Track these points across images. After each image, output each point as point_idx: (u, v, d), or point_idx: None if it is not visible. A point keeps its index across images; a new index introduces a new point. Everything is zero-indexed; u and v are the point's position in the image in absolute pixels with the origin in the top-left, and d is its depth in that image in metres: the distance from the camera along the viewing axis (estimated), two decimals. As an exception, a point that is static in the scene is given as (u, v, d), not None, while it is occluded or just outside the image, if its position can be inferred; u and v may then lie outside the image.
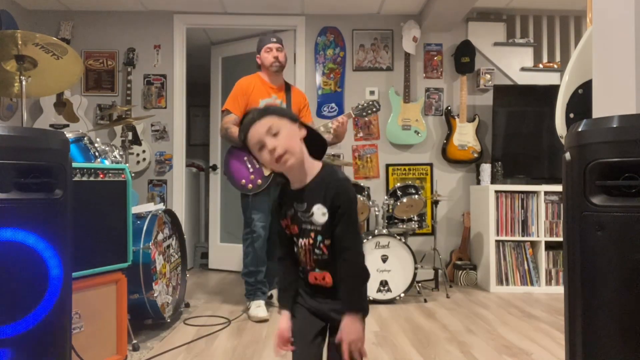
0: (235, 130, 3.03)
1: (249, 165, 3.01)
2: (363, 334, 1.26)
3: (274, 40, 3.10)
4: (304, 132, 1.29)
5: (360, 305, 1.28)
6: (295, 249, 1.34)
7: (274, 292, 3.23)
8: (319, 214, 1.26)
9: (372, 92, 4.24)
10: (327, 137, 3.06)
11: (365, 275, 1.33)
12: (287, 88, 3.20)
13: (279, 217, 1.37)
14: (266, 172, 2.99)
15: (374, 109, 3.10)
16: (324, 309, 1.33)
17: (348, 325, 1.23)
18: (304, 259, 1.32)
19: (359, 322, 1.25)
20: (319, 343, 1.33)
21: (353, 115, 3.05)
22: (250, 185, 2.98)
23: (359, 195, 3.38)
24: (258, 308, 2.91)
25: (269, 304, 3.13)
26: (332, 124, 2.97)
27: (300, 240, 1.31)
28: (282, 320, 1.34)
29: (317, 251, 1.29)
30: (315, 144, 1.33)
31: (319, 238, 1.27)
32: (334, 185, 1.26)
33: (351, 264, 1.27)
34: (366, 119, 3.19)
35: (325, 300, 1.32)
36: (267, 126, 1.23)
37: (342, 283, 1.28)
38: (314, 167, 1.30)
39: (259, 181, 2.98)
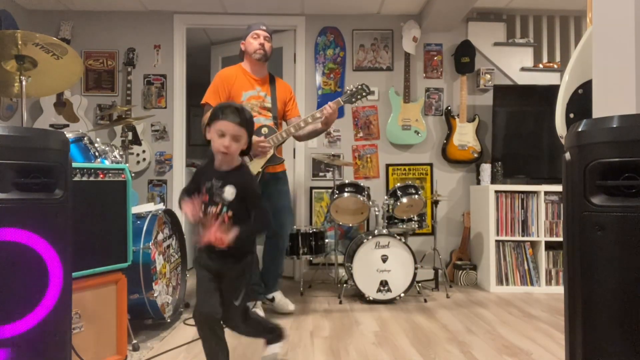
0: None
1: None
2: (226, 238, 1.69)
3: (263, 27, 2.98)
4: (246, 146, 1.81)
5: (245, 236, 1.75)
6: (201, 214, 1.76)
7: (276, 295, 3.08)
8: (229, 192, 1.73)
9: (372, 92, 4.23)
10: (313, 126, 2.99)
11: (253, 233, 1.86)
12: (272, 80, 3.07)
13: (198, 183, 1.82)
14: (254, 171, 2.85)
15: (364, 93, 2.97)
16: (217, 266, 1.77)
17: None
18: (206, 221, 1.74)
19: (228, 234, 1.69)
20: (214, 289, 1.77)
21: (342, 102, 2.93)
22: None
23: (358, 195, 3.39)
24: (255, 309, 2.90)
25: (270, 307, 3.08)
26: (318, 113, 2.86)
27: (210, 207, 1.74)
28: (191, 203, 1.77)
29: (219, 217, 1.72)
30: (247, 151, 1.86)
31: (224, 209, 1.73)
32: (245, 177, 1.81)
33: (256, 220, 1.79)
34: (355, 103, 3.01)
35: (218, 258, 1.76)
36: (237, 132, 1.73)
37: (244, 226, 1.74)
38: (236, 161, 1.81)
39: None
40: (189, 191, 1.84)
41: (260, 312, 2.90)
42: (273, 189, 3.00)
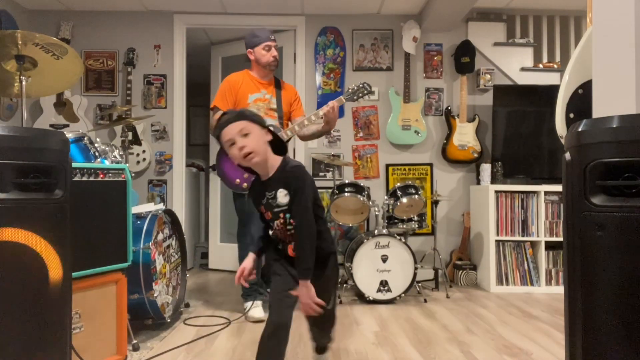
0: None
1: None
2: (312, 293, 1.58)
3: (273, 38, 3.04)
4: (269, 137, 1.60)
5: (307, 273, 1.57)
6: (271, 232, 1.64)
7: None
8: (281, 195, 1.58)
9: (372, 92, 4.22)
10: (316, 127, 3.03)
11: (310, 242, 1.58)
12: (277, 83, 3.15)
13: (257, 206, 1.68)
14: None
15: (365, 92, 2.99)
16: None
17: (301, 290, 1.57)
18: (282, 237, 1.63)
19: (307, 286, 1.57)
20: (294, 302, 1.62)
21: (344, 100, 2.96)
22: (245, 184, 2.95)
23: (358, 195, 3.38)
24: (255, 309, 2.91)
25: (267, 305, 3.13)
26: (322, 110, 2.88)
27: (275, 222, 1.63)
28: (248, 260, 1.67)
29: (289, 227, 1.60)
30: (278, 144, 1.64)
31: (287, 216, 1.59)
32: (289, 170, 1.60)
33: (299, 229, 1.57)
34: (356, 101, 3.05)
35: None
36: (239, 128, 1.54)
37: (295, 249, 1.60)
38: (276, 161, 1.62)
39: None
40: (262, 236, 1.73)
41: (260, 311, 2.91)
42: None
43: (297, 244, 1.58)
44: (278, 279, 1.65)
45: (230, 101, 3.00)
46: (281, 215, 1.59)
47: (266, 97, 3.06)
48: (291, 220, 1.58)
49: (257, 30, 3.07)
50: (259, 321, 2.84)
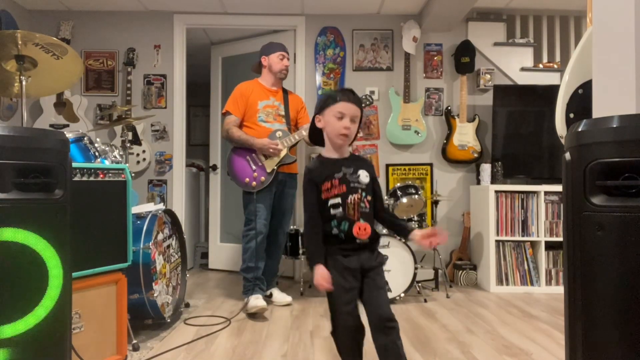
0: (235, 131, 3.13)
1: (252, 164, 3.10)
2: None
3: (287, 50, 3.27)
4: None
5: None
6: (339, 210, 1.66)
7: (274, 291, 3.29)
8: (364, 176, 1.70)
9: (372, 92, 4.23)
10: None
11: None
12: (285, 92, 3.33)
13: (324, 180, 1.69)
14: (269, 169, 3.10)
15: (367, 102, 3.29)
16: (359, 262, 1.65)
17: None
18: (352, 212, 1.66)
19: None
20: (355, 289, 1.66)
21: None
22: (254, 183, 3.07)
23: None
24: (257, 299, 2.94)
25: (268, 302, 3.16)
26: None
27: (350, 196, 1.67)
28: (320, 267, 1.63)
29: (362, 205, 1.67)
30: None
31: (364, 194, 1.68)
32: (365, 159, 1.85)
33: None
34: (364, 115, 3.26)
35: (359, 253, 1.66)
36: (355, 111, 1.71)
37: (394, 219, 1.92)
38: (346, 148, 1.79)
39: (262, 178, 3.08)
40: (318, 232, 1.70)
41: (261, 299, 2.99)
42: (284, 189, 3.25)
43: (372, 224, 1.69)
44: (335, 274, 1.65)
45: (242, 106, 3.18)
46: (359, 191, 1.68)
47: (275, 104, 3.24)
48: (366, 200, 1.68)
49: (274, 42, 3.31)
50: (262, 310, 2.86)
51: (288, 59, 3.26)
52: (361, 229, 1.64)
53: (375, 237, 1.70)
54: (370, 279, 1.66)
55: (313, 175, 1.72)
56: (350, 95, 1.71)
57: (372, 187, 1.72)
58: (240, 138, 3.11)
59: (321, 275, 1.61)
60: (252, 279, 3.06)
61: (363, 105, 3.06)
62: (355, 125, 1.73)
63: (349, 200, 1.66)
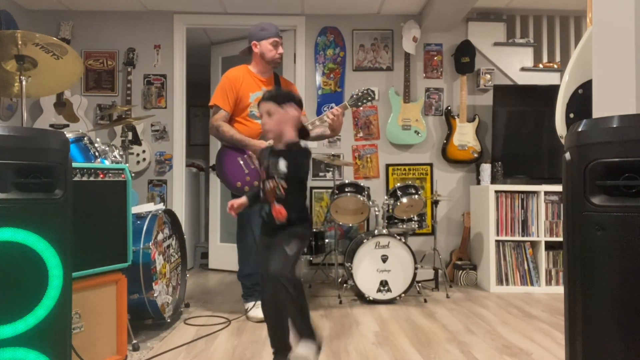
0: (226, 129, 2.90)
1: (244, 167, 2.90)
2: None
3: (281, 35, 2.98)
4: (298, 117, 2.02)
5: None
6: (261, 194, 1.98)
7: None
8: (281, 164, 1.89)
9: (375, 99, 4.22)
10: (322, 130, 3.01)
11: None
12: (277, 80, 3.11)
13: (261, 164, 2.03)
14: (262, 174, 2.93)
15: (369, 98, 2.97)
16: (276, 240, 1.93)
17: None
18: (269, 196, 1.92)
19: None
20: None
21: (348, 107, 2.94)
22: (246, 188, 2.87)
23: (358, 195, 3.39)
24: (257, 309, 2.90)
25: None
26: (327, 117, 2.87)
27: (267, 182, 1.94)
28: (242, 198, 2.06)
29: (277, 191, 1.90)
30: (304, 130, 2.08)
31: (280, 181, 1.90)
32: (293, 149, 1.95)
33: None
34: (361, 108, 3.12)
35: (276, 232, 1.93)
36: (267, 108, 1.96)
37: None
38: (291, 139, 1.96)
39: (255, 182, 2.86)
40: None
41: (260, 310, 2.91)
42: None
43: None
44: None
45: (231, 100, 2.93)
46: (274, 177, 1.91)
47: None
48: (281, 186, 1.91)
49: (265, 24, 2.99)
50: (262, 321, 2.83)
51: (282, 45, 2.98)
52: (276, 211, 1.87)
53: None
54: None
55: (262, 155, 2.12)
56: (267, 97, 1.98)
57: (288, 173, 1.90)
58: (233, 138, 2.87)
59: (233, 201, 2.03)
60: (251, 285, 2.99)
61: (360, 104, 3.04)
62: (271, 119, 1.96)
63: (266, 186, 1.95)
